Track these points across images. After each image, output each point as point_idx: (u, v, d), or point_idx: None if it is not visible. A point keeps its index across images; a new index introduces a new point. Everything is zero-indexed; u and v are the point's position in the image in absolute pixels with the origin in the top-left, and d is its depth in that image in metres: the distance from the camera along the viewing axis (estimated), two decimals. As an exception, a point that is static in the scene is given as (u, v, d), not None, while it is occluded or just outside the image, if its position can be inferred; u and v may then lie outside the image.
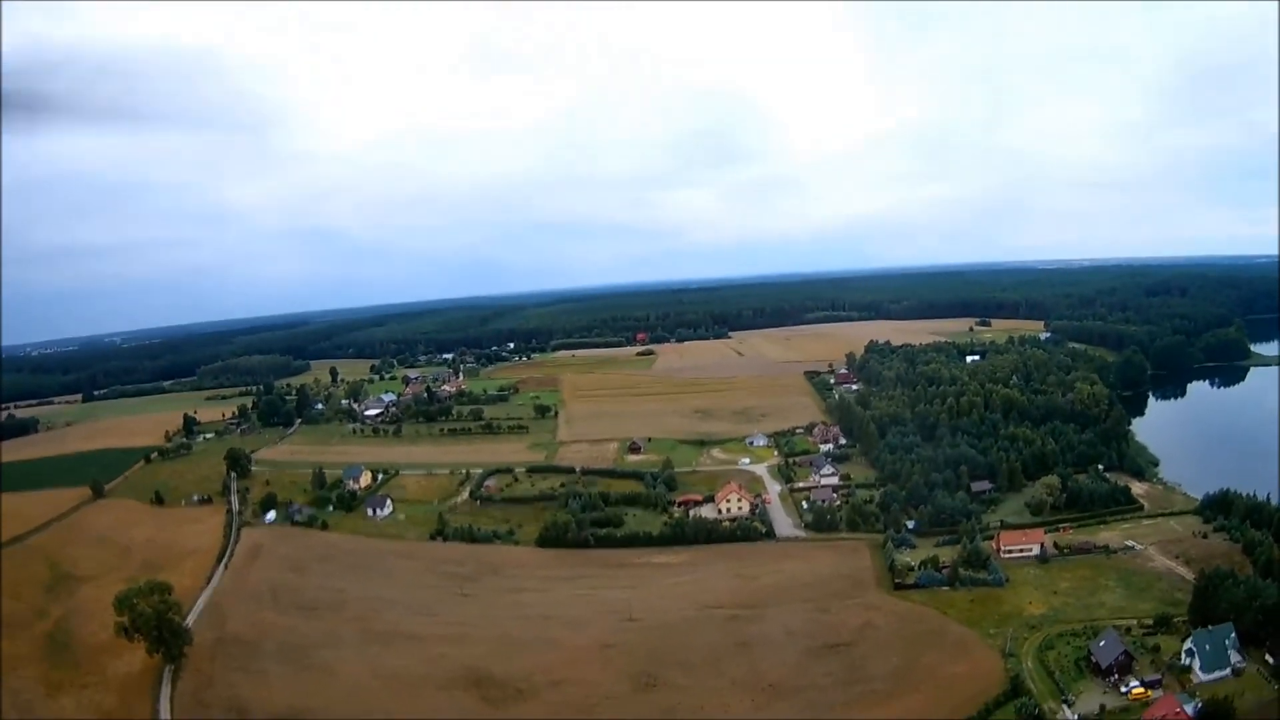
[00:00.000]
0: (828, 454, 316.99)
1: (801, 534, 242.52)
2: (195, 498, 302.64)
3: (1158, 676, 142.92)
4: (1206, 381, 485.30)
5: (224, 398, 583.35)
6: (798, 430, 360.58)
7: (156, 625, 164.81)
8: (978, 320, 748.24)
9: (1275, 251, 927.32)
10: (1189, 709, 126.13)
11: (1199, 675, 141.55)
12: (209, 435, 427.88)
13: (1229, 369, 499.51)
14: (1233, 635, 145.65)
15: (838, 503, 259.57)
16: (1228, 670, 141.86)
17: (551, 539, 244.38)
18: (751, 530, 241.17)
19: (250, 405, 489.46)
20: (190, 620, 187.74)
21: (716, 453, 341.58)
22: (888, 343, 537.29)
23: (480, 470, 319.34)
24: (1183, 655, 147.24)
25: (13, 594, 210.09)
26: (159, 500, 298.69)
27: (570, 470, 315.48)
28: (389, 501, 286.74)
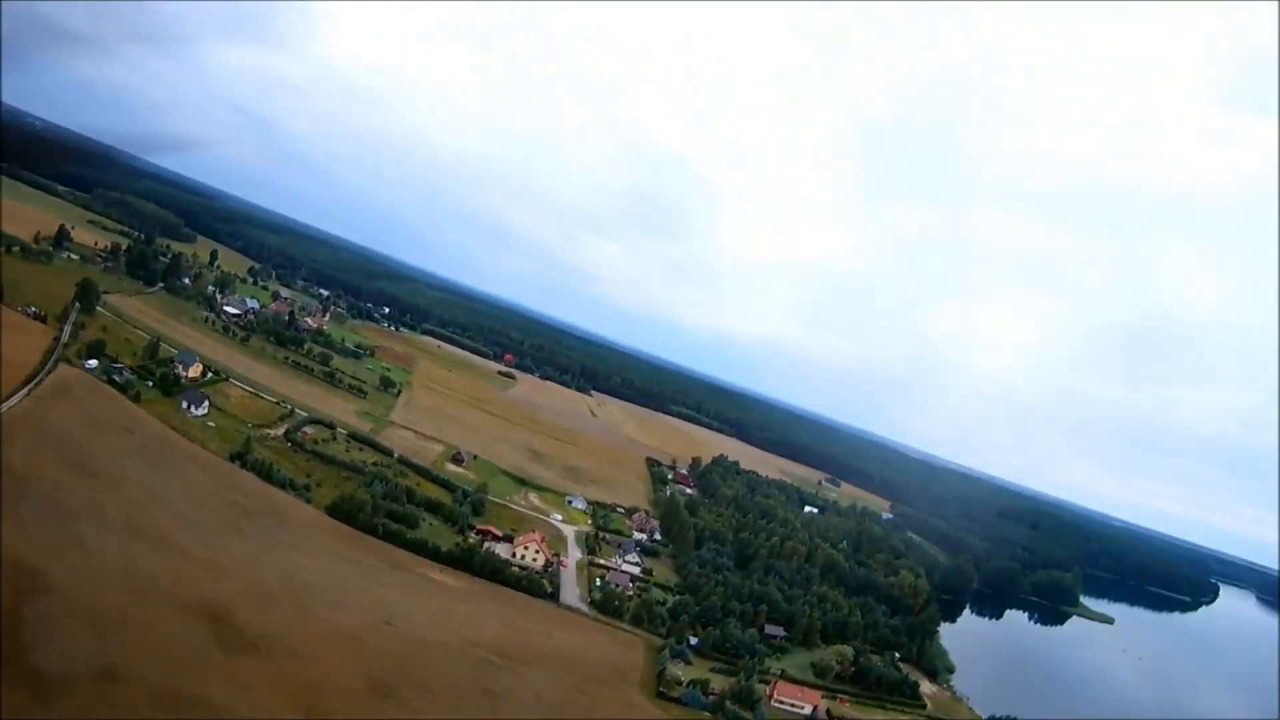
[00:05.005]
0: (638, 543, 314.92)
1: (584, 609, 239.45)
2: (32, 309, 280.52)
3: None
4: (1026, 614, 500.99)
5: (105, 228, 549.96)
6: (619, 509, 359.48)
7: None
8: (828, 477, 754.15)
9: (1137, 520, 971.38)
10: None
11: None
12: (74, 256, 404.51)
13: (1053, 610, 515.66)
14: None
15: (631, 593, 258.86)
16: None
17: (342, 512, 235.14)
18: (538, 585, 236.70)
19: (124, 248, 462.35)
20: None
21: (534, 498, 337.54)
22: (736, 463, 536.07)
23: (305, 414, 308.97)
24: None
25: None
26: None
27: (389, 453, 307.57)
28: (207, 402, 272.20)
